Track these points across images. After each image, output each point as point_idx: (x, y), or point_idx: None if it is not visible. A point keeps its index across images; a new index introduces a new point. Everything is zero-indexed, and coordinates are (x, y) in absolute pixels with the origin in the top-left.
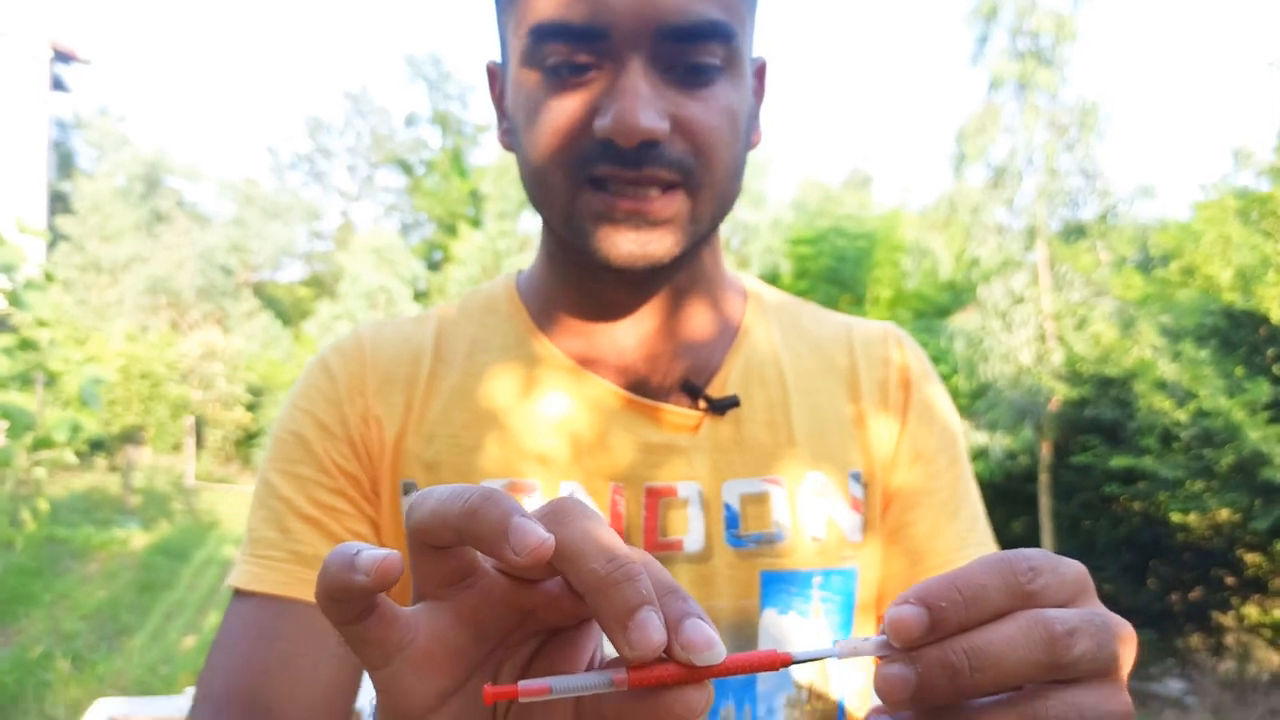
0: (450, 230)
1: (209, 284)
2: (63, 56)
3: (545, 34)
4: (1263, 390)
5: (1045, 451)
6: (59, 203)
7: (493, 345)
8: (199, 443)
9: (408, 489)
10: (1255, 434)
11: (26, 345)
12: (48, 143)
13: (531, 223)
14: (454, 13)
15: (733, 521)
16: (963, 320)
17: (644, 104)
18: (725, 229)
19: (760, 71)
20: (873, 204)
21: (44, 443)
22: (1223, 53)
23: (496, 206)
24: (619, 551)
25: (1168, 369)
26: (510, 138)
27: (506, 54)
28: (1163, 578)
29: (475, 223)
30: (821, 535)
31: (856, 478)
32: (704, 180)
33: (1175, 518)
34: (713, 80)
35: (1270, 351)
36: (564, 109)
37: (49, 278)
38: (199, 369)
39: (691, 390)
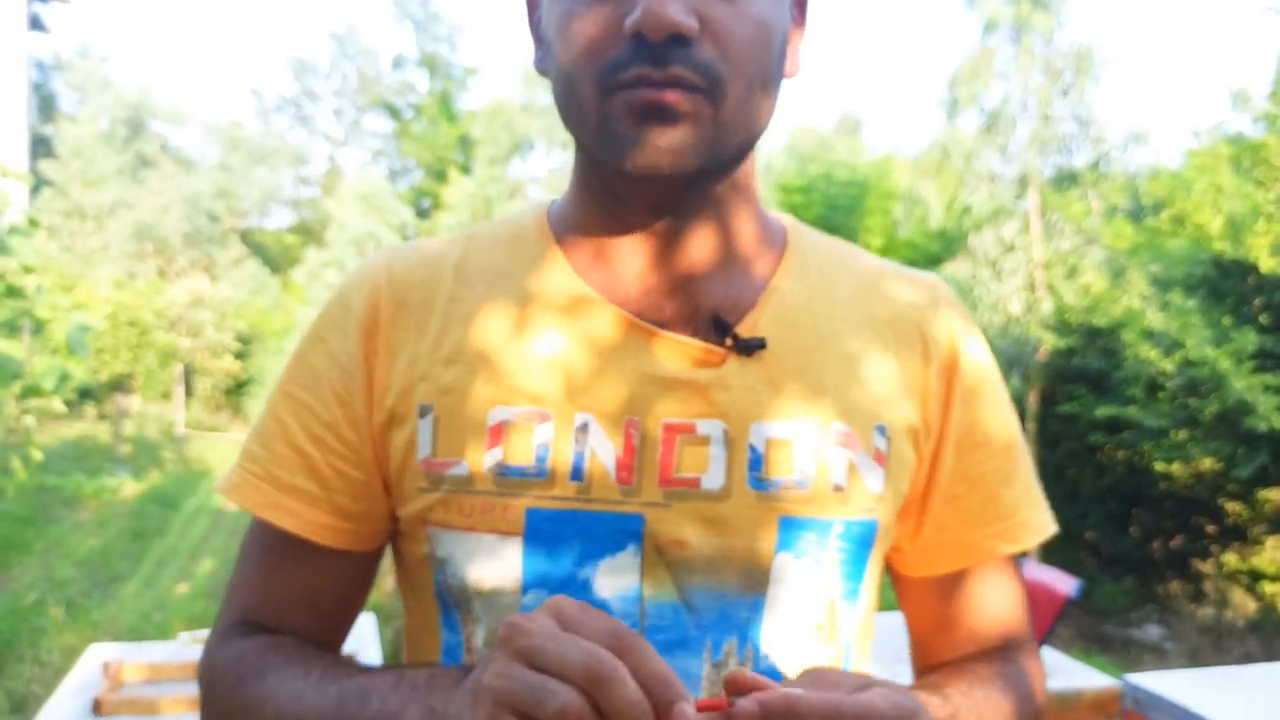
0: (439, 176)
1: (195, 230)
2: None
3: None
4: (1249, 339)
5: (1032, 401)
6: (41, 146)
7: (516, 272)
8: (188, 391)
9: (424, 411)
10: (1240, 383)
11: (12, 292)
12: (27, 84)
13: (522, 169)
14: None
15: (756, 464)
16: (953, 269)
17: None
18: None
19: (801, 2)
20: (864, 150)
21: (32, 391)
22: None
23: (487, 152)
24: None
25: (1155, 318)
26: (545, 61)
27: None
28: (1145, 526)
29: (465, 169)
30: (844, 484)
31: (882, 430)
32: (731, 88)
33: (1159, 467)
34: None
35: (1258, 301)
36: (594, 16)
37: (33, 223)
38: (187, 317)
39: (721, 326)
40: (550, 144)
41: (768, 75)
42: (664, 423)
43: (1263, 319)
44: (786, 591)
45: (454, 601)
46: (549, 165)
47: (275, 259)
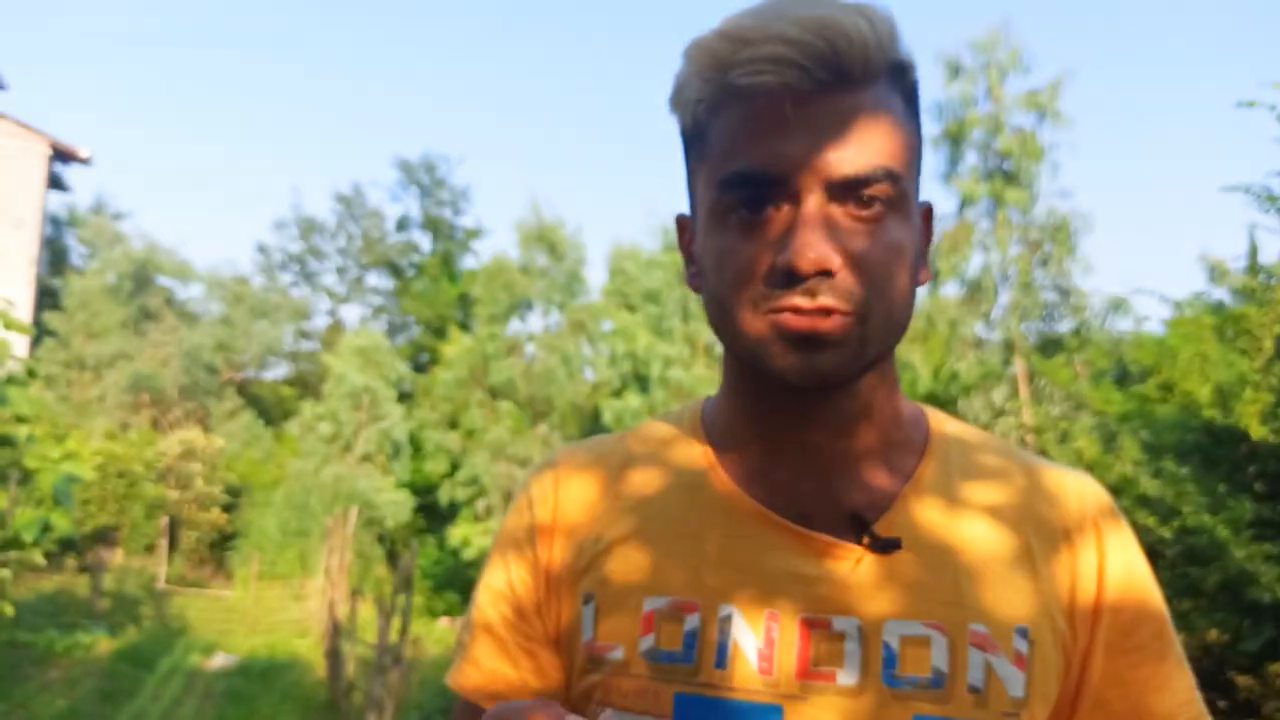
0: (438, 333)
1: (193, 382)
2: (62, 156)
3: (733, 183)
4: (1245, 508)
5: None
6: (48, 299)
7: (671, 469)
8: (173, 544)
9: (588, 599)
10: (1240, 552)
11: (2, 441)
12: (39, 240)
13: (520, 326)
14: (447, 119)
15: (890, 661)
16: None
17: (819, 239)
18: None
19: (927, 214)
20: None
21: (12, 543)
22: (1195, 169)
23: (486, 310)
24: None
25: (1150, 485)
26: (698, 280)
27: (695, 204)
28: None
29: (464, 326)
30: (981, 687)
31: (1023, 634)
32: (874, 308)
33: None
34: (880, 216)
35: (1251, 469)
36: (749, 249)
37: (31, 373)
38: (177, 468)
39: (860, 525)
40: (548, 305)
41: (905, 290)
42: (801, 618)
43: (1258, 487)
44: None
45: None
46: (545, 324)
47: (270, 410)
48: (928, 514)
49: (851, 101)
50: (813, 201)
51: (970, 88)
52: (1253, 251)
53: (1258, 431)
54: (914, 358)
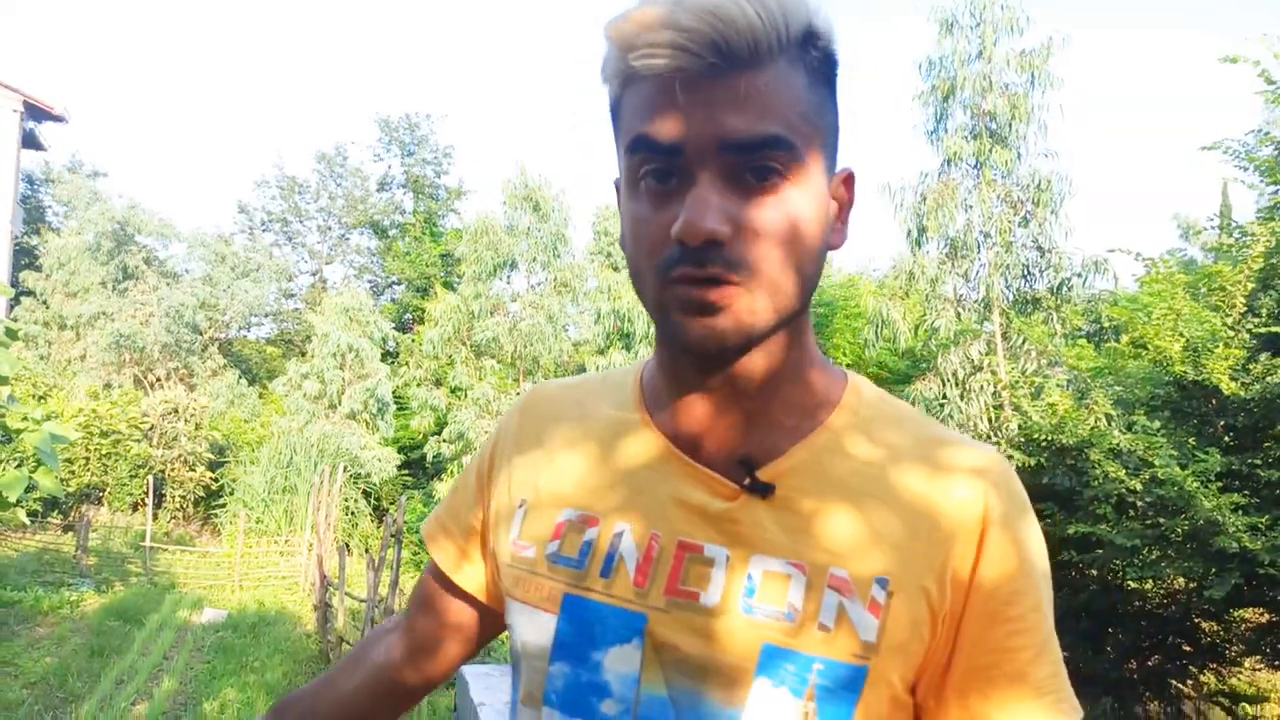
0: (422, 292)
1: (175, 341)
2: (36, 113)
3: (636, 148)
4: (1214, 460)
5: None
6: (24, 258)
7: (605, 408)
8: (158, 502)
9: (521, 504)
10: (1208, 503)
11: None
12: (14, 199)
13: (504, 286)
14: (430, 77)
15: (750, 592)
16: (922, 387)
17: (708, 209)
18: None
19: (847, 180)
20: (830, 270)
21: None
22: (1171, 129)
23: (471, 269)
24: None
25: (1121, 438)
26: (624, 241)
27: (620, 170)
28: (1121, 645)
29: (448, 285)
30: (831, 626)
31: (883, 584)
32: (762, 277)
33: (1132, 585)
34: (775, 187)
35: (1221, 422)
36: (653, 219)
37: (11, 334)
38: (162, 427)
39: (747, 467)
40: (531, 264)
41: (801, 258)
42: (679, 539)
43: (1227, 439)
44: (761, 714)
45: (514, 661)
46: (530, 283)
47: (255, 369)
48: (814, 466)
49: (744, 80)
50: (705, 175)
51: (964, 45)
52: (1225, 209)
53: (1228, 386)
54: (894, 314)
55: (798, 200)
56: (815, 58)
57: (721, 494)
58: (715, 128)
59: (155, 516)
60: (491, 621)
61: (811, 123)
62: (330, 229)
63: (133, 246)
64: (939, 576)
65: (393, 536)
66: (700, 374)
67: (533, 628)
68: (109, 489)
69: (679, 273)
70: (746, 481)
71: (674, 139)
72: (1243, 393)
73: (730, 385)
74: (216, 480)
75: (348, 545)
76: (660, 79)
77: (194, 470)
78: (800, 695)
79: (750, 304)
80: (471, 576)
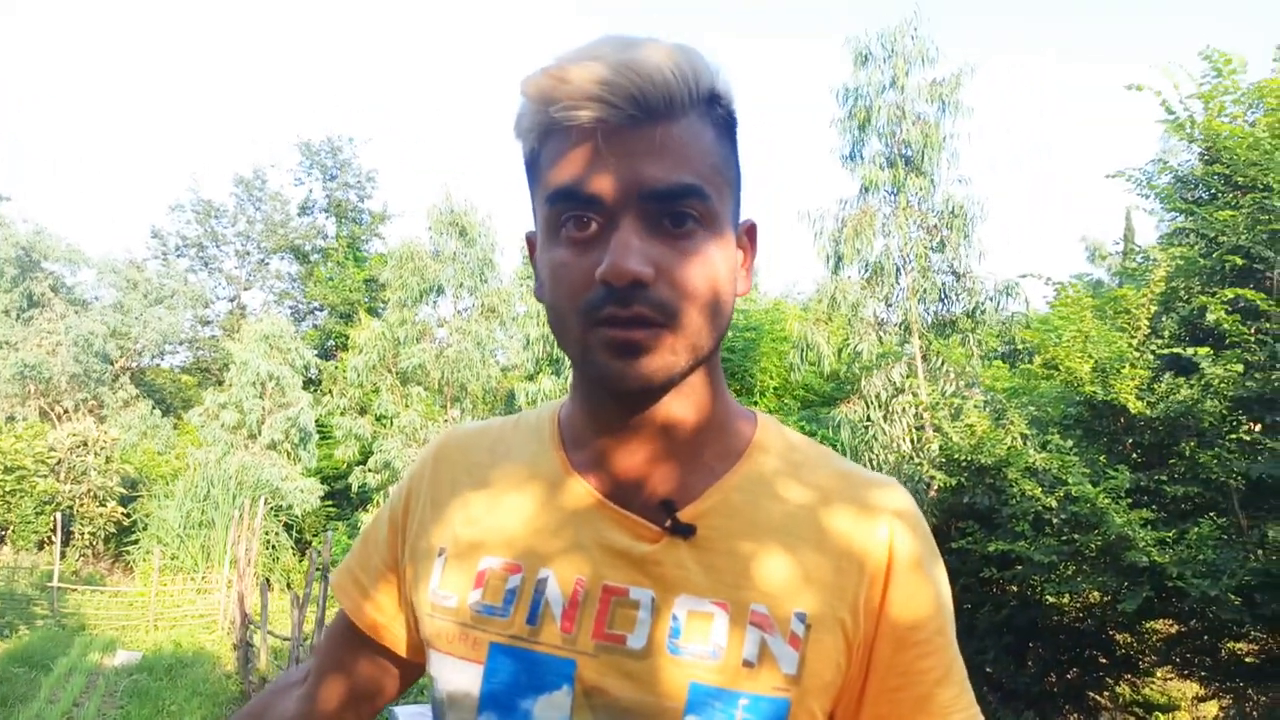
0: (345, 318)
1: (84, 371)
2: None
3: (557, 198)
4: (1124, 477)
5: None
6: None
7: (524, 453)
8: (66, 539)
9: (440, 552)
10: (1119, 519)
11: None
12: None
13: (431, 313)
14: (353, 101)
15: (675, 632)
16: (847, 410)
17: (632, 252)
18: None
19: (750, 231)
20: (756, 296)
21: None
22: (1078, 155)
23: (396, 295)
24: None
25: (1037, 457)
26: (541, 293)
27: (535, 214)
28: (1041, 659)
29: (372, 311)
30: (754, 661)
31: (801, 619)
32: (685, 319)
33: (1050, 600)
34: (691, 234)
35: (1129, 440)
36: (575, 265)
37: None
38: (70, 461)
39: (668, 509)
40: (458, 289)
41: (716, 302)
42: (604, 584)
43: (1135, 457)
44: None
45: (438, 712)
46: (457, 309)
47: (169, 399)
48: (729, 507)
49: (660, 132)
50: (627, 221)
51: (877, 76)
52: (1129, 233)
53: (1135, 406)
54: (818, 338)
55: (711, 248)
56: (720, 115)
57: (644, 537)
58: (635, 176)
59: (63, 555)
60: (407, 674)
61: (721, 174)
62: (249, 254)
63: (38, 273)
64: (853, 608)
65: (318, 571)
66: (622, 414)
67: (458, 678)
68: (13, 527)
69: (606, 313)
70: (668, 524)
71: (596, 188)
72: (1149, 411)
73: (649, 427)
74: (129, 516)
75: (268, 580)
76: (581, 130)
77: (104, 506)
78: None
79: (672, 345)
80: (386, 629)
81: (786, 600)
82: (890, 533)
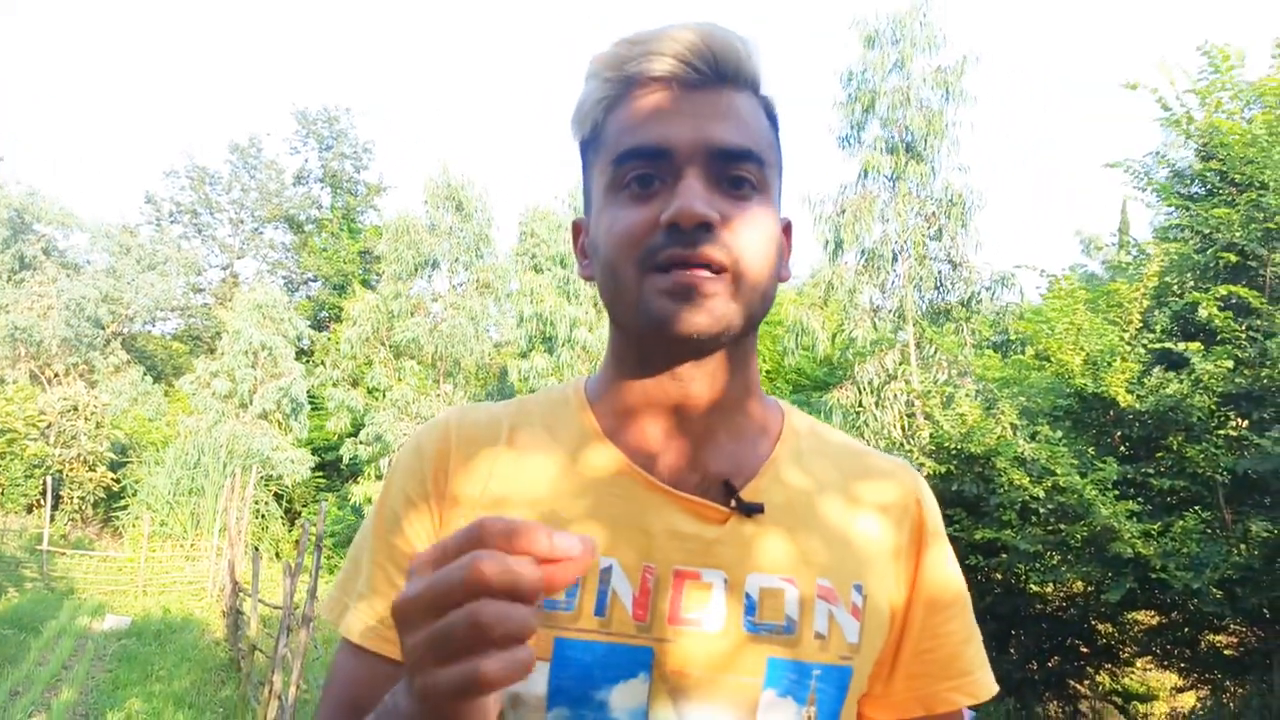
0: (339, 289)
1: (75, 335)
2: None
3: (626, 157)
4: (1111, 469)
5: None
6: None
7: (557, 435)
8: (55, 503)
9: None
10: (1105, 510)
11: None
12: None
13: (425, 285)
14: (351, 71)
15: (750, 609)
16: (840, 396)
17: (699, 197)
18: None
19: (787, 228)
20: None
21: None
22: (1075, 149)
23: (391, 268)
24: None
25: (1026, 447)
26: (590, 268)
27: (590, 194)
28: (1024, 647)
29: (366, 283)
30: (825, 633)
31: (859, 589)
32: (745, 271)
33: (1034, 589)
34: (750, 196)
35: (1118, 433)
36: (636, 214)
37: None
38: (60, 425)
39: (729, 490)
40: (454, 264)
41: (769, 269)
42: (674, 569)
43: (1123, 449)
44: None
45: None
46: (452, 283)
47: (160, 366)
48: (785, 485)
49: (729, 97)
50: (693, 172)
51: (883, 60)
52: (1124, 225)
53: (1124, 399)
54: (813, 323)
55: (765, 216)
56: (771, 107)
57: (711, 519)
58: (705, 133)
59: (52, 519)
60: None
61: (773, 153)
62: (243, 222)
63: (31, 235)
64: (896, 577)
65: (310, 540)
66: (675, 382)
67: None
68: (2, 489)
69: (666, 254)
70: (733, 504)
71: (667, 138)
72: (1138, 405)
73: (696, 401)
74: (118, 481)
75: (257, 549)
76: (654, 90)
77: (94, 470)
78: (803, 702)
79: (730, 295)
80: None
81: (845, 572)
82: (920, 505)
